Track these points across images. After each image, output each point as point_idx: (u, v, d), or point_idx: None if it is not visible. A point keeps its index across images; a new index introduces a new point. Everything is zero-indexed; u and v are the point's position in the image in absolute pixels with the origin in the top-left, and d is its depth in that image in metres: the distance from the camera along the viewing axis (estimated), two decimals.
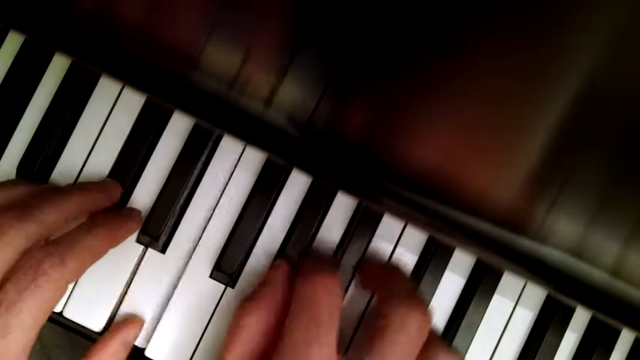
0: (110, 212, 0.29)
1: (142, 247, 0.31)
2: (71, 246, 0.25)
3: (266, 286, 0.28)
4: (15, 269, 0.24)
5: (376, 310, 0.26)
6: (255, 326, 0.26)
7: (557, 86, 0.19)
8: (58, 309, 0.30)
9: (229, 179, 0.31)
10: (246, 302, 0.27)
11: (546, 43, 0.17)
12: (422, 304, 0.25)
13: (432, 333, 0.26)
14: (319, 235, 0.31)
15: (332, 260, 0.30)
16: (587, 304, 0.31)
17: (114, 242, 0.28)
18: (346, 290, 0.31)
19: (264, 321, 0.26)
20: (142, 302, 0.30)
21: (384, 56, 0.21)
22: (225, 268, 0.30)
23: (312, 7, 0.20)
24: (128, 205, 0.31)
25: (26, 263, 0.24)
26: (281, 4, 0.20)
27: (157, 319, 0.30)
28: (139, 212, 0.31)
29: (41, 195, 0.27)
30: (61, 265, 0.24)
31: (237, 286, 0.31)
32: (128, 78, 0.28)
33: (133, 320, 0.30)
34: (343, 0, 0.19)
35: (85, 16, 0.26)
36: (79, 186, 0.29)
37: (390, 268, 0.30)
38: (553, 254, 0.28)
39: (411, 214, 0.30)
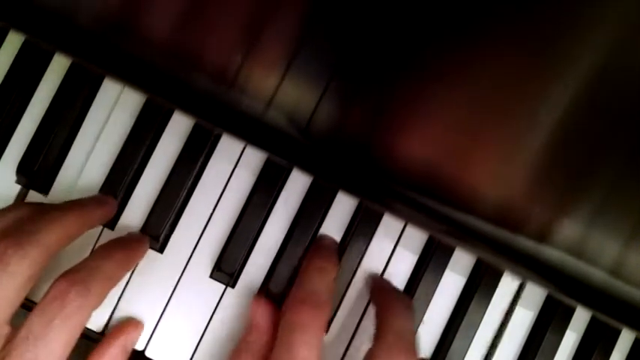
0: (121, 237, 0.30)
1: None
2: (92, 273, 0.25)
3: (246, 334, 0.28)
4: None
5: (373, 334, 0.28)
6: None
7: (561, 88, 0.19)
8: None
9: (229, 179, 0.31)
10: (234, 355, 0.28)
11: (554, 38, 0.17)
12: (409, 351, 0.26)
13: None
14: (319, 235, 0.31)
15: (330, 267, 0.30)
16: (587, 303, 0.31)
17: (129, 266, 0.28)
18: (345, 292, 0.31)
19: None
20: (141, 302, 0.30)
21: (388, 54, 0.21)
22: (225, 268, 0.30)
23: (317, 5, 0.20)
24: (128, 205, 0.31)
25: (50, 293, 0.24)
26: (285, 1, 0.20)
27: (157, 319, 0.30)
28: (144, 237, 0.30)
29: (40, 216, 0.27)
30: (86, 292, 0.24)
31: (237, 286, 0.31)
32: (129, 78, 0.28)
33: (132, 324, 0.30)
34: None
35: (86, 18, 0.26)
36: (76, 203, 0.29)
37: (392, 297, 0.30)
38: (553, 254, 0.28)
39: (411, 214, 0.30)
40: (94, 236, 0.31)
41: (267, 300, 0.29)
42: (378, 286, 0.31)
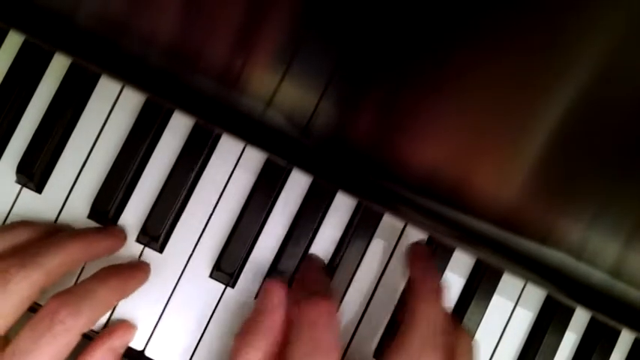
0: (122, 264, 0.30)
1: (141, 246, 0.31)
2: (86, 296, 0.26)
3: (260, 315, 0.27)
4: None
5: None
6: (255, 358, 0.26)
7: (562, 89, 0.19)
8: None
9: (229, 179, 0.31)
10: (243, 336, 0.27)
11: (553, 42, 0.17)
12: (435, 349, 0.26)
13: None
14: (319, 235, 0.31)
15: (325, 279, 0.30)
16: (586, 304, 0.31)
17: (125, 293, 0.29)
18: (346, 291, 0.31)
19: (264, 353, 0.26)
20: (141, 301, 0.30)
21: (389, 53, 0.21)
22: (225, 268, 0.30)
23: (317, 3, 0.20)
24: (129, 205, 0.31)
25: (42, 311, 0.25)
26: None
27: (157, 319, 0.30)
28: (147, 264, 0.30)
29: (45, 240, 0.27)
30: (76, 314, 0.25)
31: (237, 286, 0.31)
32: (128, 78, 0.28)
33: (122, 327, 0.30)
34: None
35: (86, 17, 0.26)
36: (84, 232, 0.29)
37: (423, 281, 0.29)
38: (553, 255, 0.28)
39: (411, 215, 0.30)
40: None
41: (280, 282, 0.29)
42: (412, 258, 0.31)
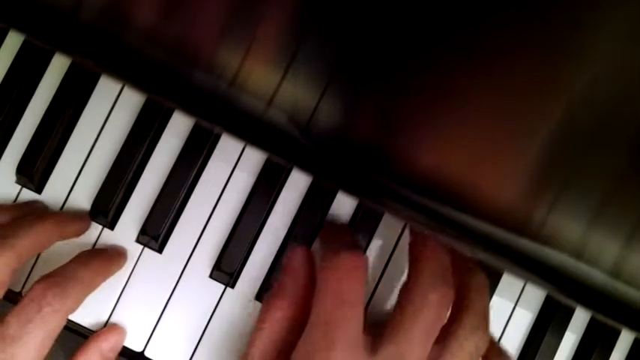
0: (101, 248, 0.30)
1: (140, 246, 0.31)
2: (70, 277, 0.26)
3: (285, 277, 0.28)
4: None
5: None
6: (278, 322, 0.27)
7: (563, 86, 0.19)
8: None
9: (229, 179, 0.31)
10: (269, 299, 0.28)
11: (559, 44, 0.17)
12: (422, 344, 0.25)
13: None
14: (319, 234, 0.31)
15: (348, 235, 0.30)
16: (586, 304, 0.31)
17: (108, 274, 0.29)
18: None
19: (288, 316, 0.27)
20: (140, 302, 0.30)
21: (390, 53, 0.21)
22: (225, 268, 0.30)
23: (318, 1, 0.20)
24: (128, 205, 0.31)
25: (28, 296, 0.25)
26: None
27: (157, 319, 0.30)
28: (124, 249, 0.31)
29: (16, 222, 0.27)
30: (63, 296, 0.25)
31: (237, 286, 0.31)
32: (128, 77, 0.28)
33: (109, 330, 0.30)
34: None
35: (84, 13, 0.26)
36: (53, 214, 0.30)
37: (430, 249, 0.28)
38: (553, 255, 0.28)
39: (411, 215, 0.30)
40: (93, 236, 0.31)
41: (305, 246, 0.30)
42: (413, 248, 0.30)
